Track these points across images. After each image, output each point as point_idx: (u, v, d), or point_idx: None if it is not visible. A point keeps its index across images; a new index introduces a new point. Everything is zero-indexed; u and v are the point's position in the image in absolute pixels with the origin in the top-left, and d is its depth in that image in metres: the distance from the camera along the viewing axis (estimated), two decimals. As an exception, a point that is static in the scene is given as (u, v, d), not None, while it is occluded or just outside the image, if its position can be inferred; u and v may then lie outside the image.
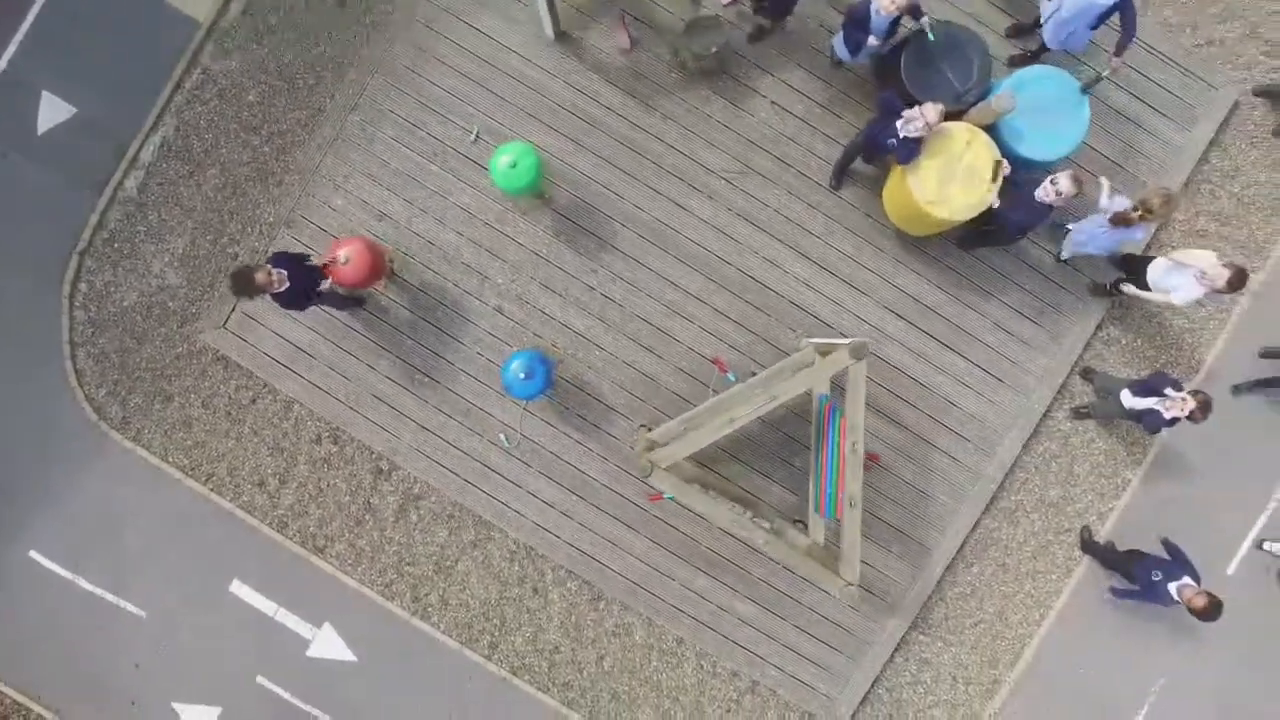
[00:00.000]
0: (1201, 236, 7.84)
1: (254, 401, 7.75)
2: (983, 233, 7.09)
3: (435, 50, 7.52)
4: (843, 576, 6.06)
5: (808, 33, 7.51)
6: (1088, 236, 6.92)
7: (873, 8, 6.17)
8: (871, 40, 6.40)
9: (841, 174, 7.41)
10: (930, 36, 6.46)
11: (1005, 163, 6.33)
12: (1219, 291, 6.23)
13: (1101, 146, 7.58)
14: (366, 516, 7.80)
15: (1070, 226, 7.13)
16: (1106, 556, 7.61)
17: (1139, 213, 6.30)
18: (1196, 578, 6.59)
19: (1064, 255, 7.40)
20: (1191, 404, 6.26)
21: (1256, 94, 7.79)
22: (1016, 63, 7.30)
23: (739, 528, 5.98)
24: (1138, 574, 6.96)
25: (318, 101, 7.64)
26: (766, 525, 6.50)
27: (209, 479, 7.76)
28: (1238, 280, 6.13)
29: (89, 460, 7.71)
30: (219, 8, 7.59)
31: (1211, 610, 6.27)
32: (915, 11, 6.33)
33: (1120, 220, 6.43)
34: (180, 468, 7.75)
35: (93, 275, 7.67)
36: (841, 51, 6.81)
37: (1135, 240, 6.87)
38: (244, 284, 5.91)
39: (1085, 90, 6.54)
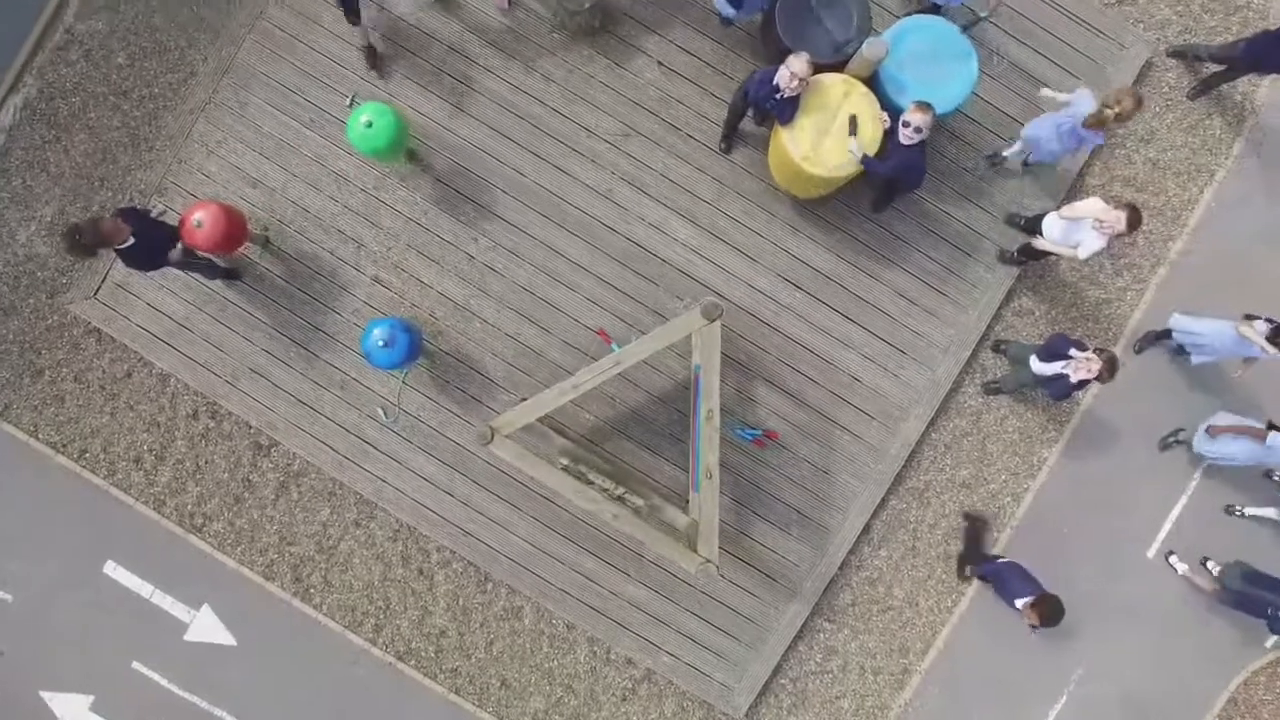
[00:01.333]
0: (1118, 203, 7.43)
1: (129, 375, 7.46)
2: (886, 186, 6.75)
3: (312, 14, 7.21)
4: (700, 554, 5.70)
5: (697, -12, 7.17)
6: (1041, 137, 6.46)
7: None
8: None
9: (731, 136, 7.07)
10: None
11: (884, 115, 5.97)
12: (1121, 235, 5.92)
13: (1007, 106, 7.22)
14: (246, 494, 7.50)
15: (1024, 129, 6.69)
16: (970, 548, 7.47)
17: (1115, 111, 5.79)
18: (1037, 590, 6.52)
19: (1007, 153, 6.99)
20: (1098, 363, 5.89)
21: (1170, 55, 7.40)
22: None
23: (586, 500, 5.64)
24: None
25: (190, 65, 7.35)
26: (639, 503, 6.17)
27: (81, 456, 7.48)
28: (1135, 218, 5.84)
29: (-44, 437, 7.45)
30: (86, -34, 7.31)
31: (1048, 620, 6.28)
32: None
33: (1095, 123, 5.94)
34: (51, 444, 7.46)
35: (-43, 245, 7.40)
36: (723, 6, 6.47)
37: (1088, 148, 6.48)
38: (83, 234, 5.58)
39: (964, 30, 6.17)
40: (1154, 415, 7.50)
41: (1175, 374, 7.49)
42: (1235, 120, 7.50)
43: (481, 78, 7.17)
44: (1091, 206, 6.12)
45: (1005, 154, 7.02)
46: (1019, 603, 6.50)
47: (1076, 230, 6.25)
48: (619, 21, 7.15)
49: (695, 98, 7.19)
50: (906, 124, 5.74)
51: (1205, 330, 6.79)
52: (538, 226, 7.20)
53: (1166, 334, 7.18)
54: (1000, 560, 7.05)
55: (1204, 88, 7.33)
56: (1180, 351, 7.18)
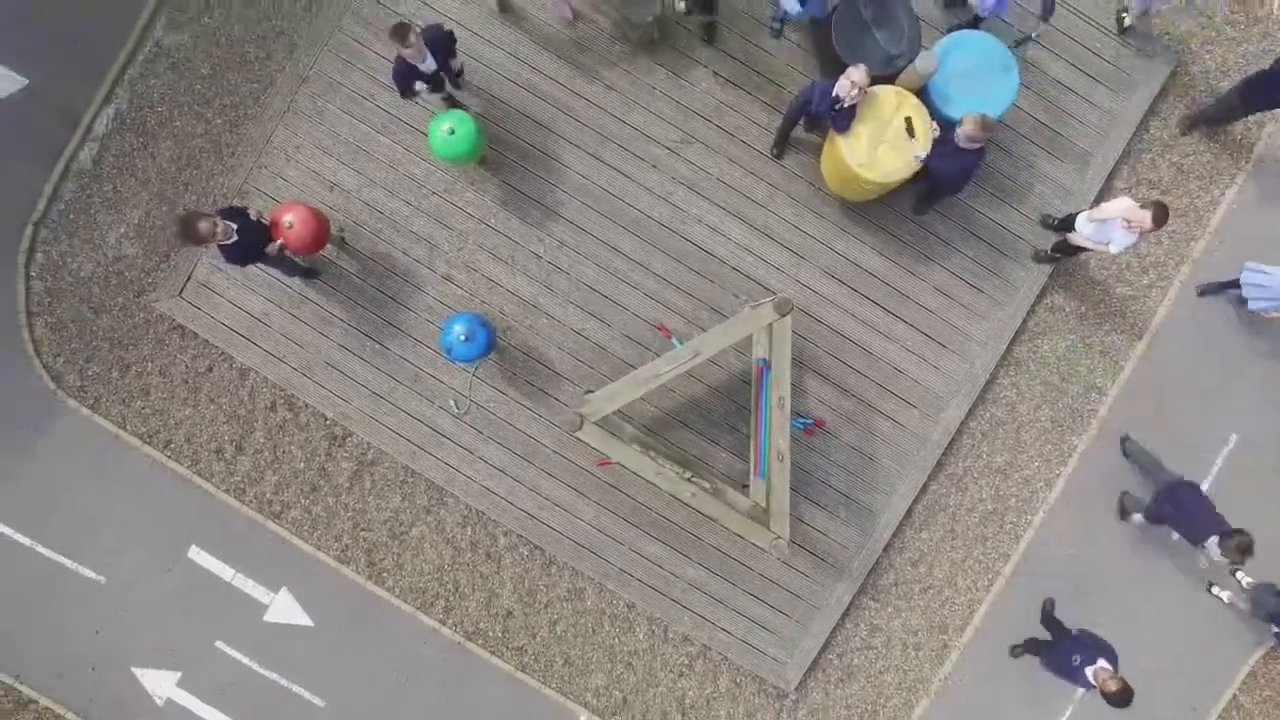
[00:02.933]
0: (1145, 202, 7.88)
1: (210, 370, 7.88)
2: (930, 190, 7.19)
3: (384, 24, 7.58)
4: (772, 530, 6.15)
5: (748, 3, 7.59)
6: None
7: None
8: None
9: (783, 143, 7.50)
10: None
11: (934, 124, 6.41)
12: (1148, 231, 6.33)
13: (1039, 114, 7.66)
14: (321, 482, 7.92)
15: None
16: (1054, 626, 7.53)
17: None
18: (1113, 659, 6.54)
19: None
20: None
21: (1184, 133, 7.89)
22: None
23: (666, 481, 6.07)
24: (1059, 650, 6.99)
25: (269, 74, 7.77)
26: (706, 486, 6.60)
27: (166, 446, 7.89)
28: (1161, 215, 6.24)
29: (47, 428, 7.85)
30: (172, -18, 7.73)
31: (1121, 696, 6.21)
32: None
33: None
34: (138, 435, 7.88)
35: (48, 246, 7.81)
36: (791, 4, 6.78)
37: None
38: (190, 229, 5.99)
39: (1016, 46, 6.61)
40: (1175, 411, 7.95)
41: (1198, 370, 7.94)
42: (1255, 126, 7.95)
43: (547, 86, 7.60)
44: (1120, 206, 6.54)
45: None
46: (1090, 671, 6.48)
47: (1107, 229, 6.68)
48: (677, 34, 7.58)
49: (748, 105, 7.63)
50: (962, 125, 6.16)
51: (1275, 274, 7.17)
52: (600, 227, 7.64)
53: (1232, 283, 7.57)
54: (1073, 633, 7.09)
55: (1208, 124, 7.80)
56: (1241, 302, 7.59)
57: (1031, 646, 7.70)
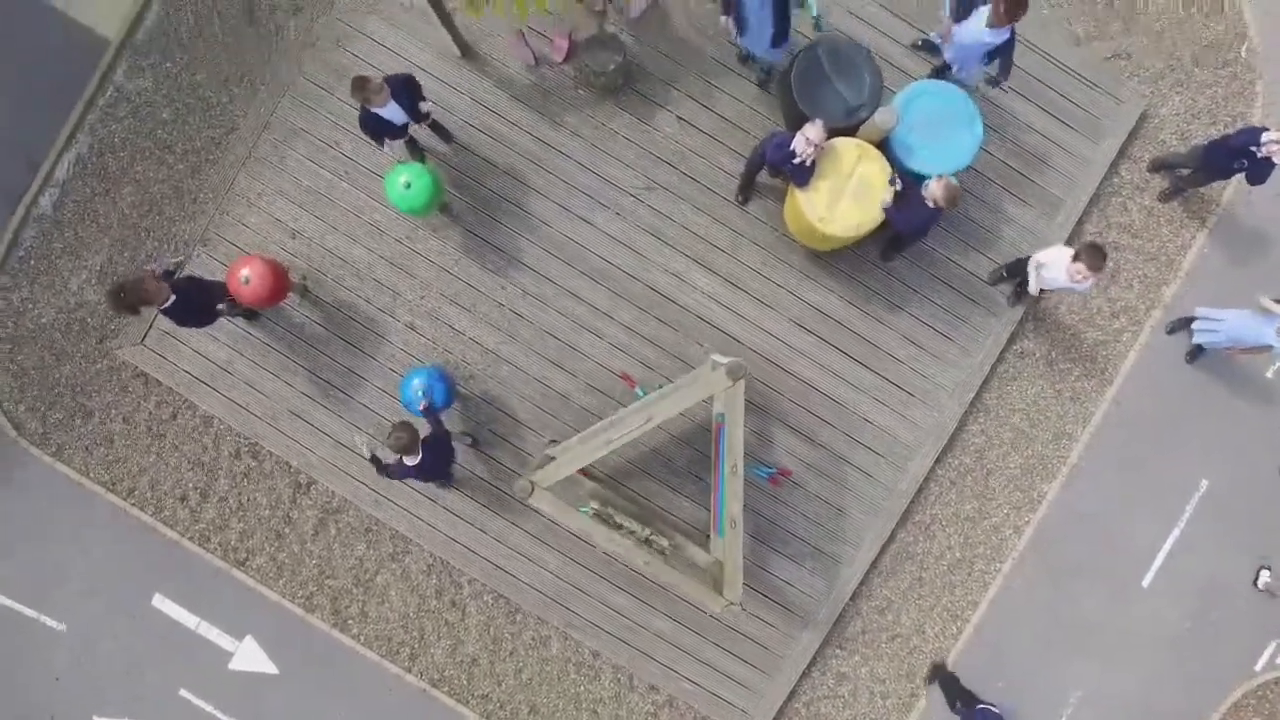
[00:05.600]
0: (1114, 249, 7.82)
1: (174, 417, 7.83)
2: (895, 238, 7.12)
3: (345, 68, 7.56)
4: (725, 596, 6.09)
5: (712, 47, 7.52)
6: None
7: None
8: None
9: (748, 188, 7.43)
10: (813, 14, 6.42)
11: (896, 178, 6.32)
12: (1092, 276, 6.22)
13: (1008, 158, 7.58)
14: (286, 530, 7.87)
15: None
16: (950, 687, 7.69)
17: None
18: None
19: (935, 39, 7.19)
20: None
21: (1151, 170, 7.78)
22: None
23: (618, 549, 6.02)
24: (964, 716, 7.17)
25: (230, 120, 7.71)
26: (664, 544, 6.55)
27: (130, 494, 7.85)
28: (1096, 260, 6.11)
29: (8, 476, 7.81)
30: (129, 26, 7.65)
31: None
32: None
33: None
34: (102, 483, 7.84)
35: (9, 292, 7.76)
36: (763, 49, 6.58)
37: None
38: (125, 297, 5.91)
39: (987, 85, 6.56)
40: (1146, 457, 7.88)
41: (1169, 416, 7.87)
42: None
43: (509, 131, 7.53)
44: (1057, 256, 6.45)
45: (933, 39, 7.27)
46: None
47: (1055, 277, 6.57)
48: (641, 78, 7.50)
49: (713, 151, 7.55)
50: (934, 198, 6.07)
51: (1227, 315, 7.19)
52: (563, 275, 7.57)
53: (1189, 321, 7.56)
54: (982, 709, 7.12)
55: (1174, 192, 7.69)
56: (1198, 352, 7.66)
57: (948, 688, 7.72)
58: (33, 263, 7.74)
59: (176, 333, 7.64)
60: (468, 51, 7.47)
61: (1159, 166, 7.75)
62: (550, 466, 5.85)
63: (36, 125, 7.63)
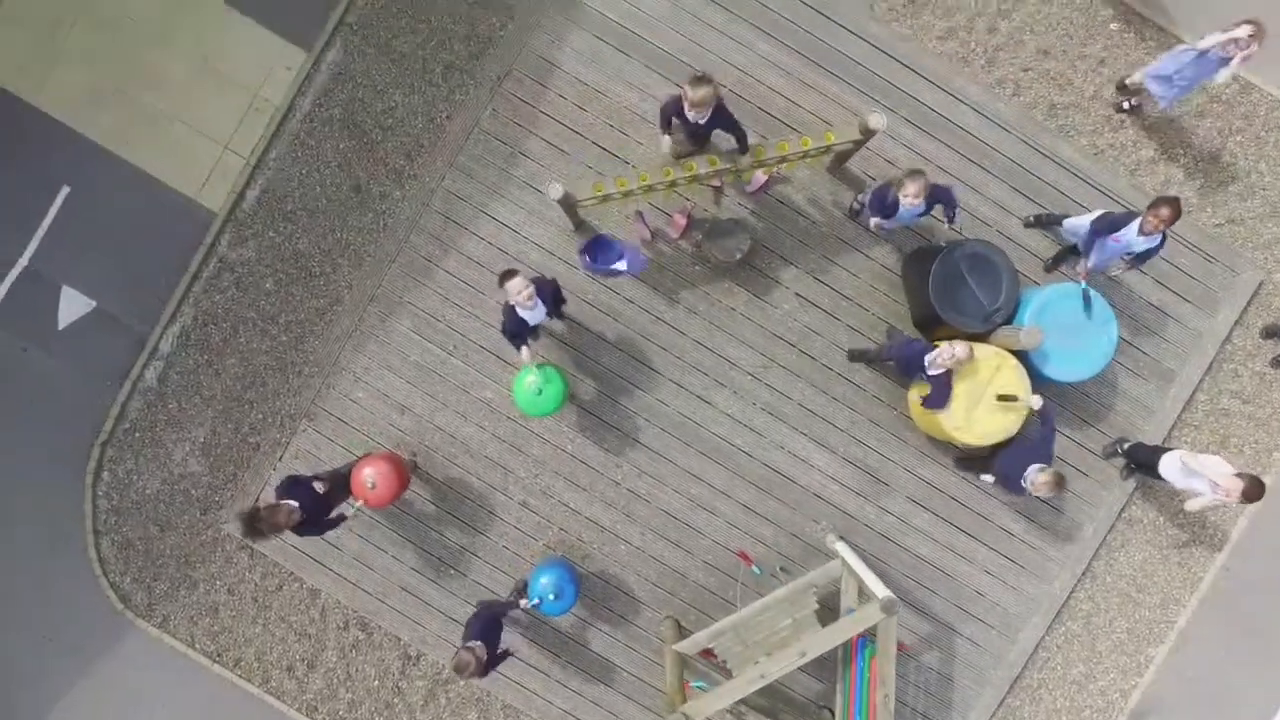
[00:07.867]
0: (1225, 415, 7.79)
1: (280, 589, 7.76)
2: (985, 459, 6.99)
3: (454, 242, 7.43)
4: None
5: (831, 222, 7.41)
6: (1173, 71, 6.59)
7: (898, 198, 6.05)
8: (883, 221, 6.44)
9: (863, 360, 7.37)
10: (951, 225, 6.40)
11: (1037, 399, 6.26)
12: (1234, 502, 6.22)
13: (1123, 332, 7.51)
14: (395, 700, 7.84)
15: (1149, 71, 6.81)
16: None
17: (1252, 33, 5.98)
18: None
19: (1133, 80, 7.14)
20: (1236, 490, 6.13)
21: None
22: (1049, 267, 7.28)
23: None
24: None
25: (335, 290, 7.57)
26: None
27: (236, 664, 7.80)
28: (1253, 492, 6.11)
29: (114, 647, 7.75)
30: (235, 198, 7.49)
31: None
32: (946, 202, 6.21)
33: (1231, 45, 6.12)
34: (207, 654, 7.78)
35: (114, 464, 7.65)
36: (876, 220, 6.58)
37: (1217, 80, 6.44)
38: (259, 526, 5.80)
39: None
40: (1257, 623, 7.90)
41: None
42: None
43: (625, 309, 7.42)
44: (1214, 467, 6.39)
45: (1130, 81, 7.21)
46: None
47: (1194, 480, 6.55)
48: (758, 254, 7.39)
49: (831, 330, 7.46)
50: (1027, 480, 5.96)
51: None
52: (679, 453, 7.50)
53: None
54: None
55: None
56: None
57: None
58: (137, 435, 7.63)
59: (283, 506, 7.54)
60: (581, 227, 7.35)
61: (1272, 333, 7.72)
62: (704, 699, 5.84)
63: (143, 300, 7.51)
